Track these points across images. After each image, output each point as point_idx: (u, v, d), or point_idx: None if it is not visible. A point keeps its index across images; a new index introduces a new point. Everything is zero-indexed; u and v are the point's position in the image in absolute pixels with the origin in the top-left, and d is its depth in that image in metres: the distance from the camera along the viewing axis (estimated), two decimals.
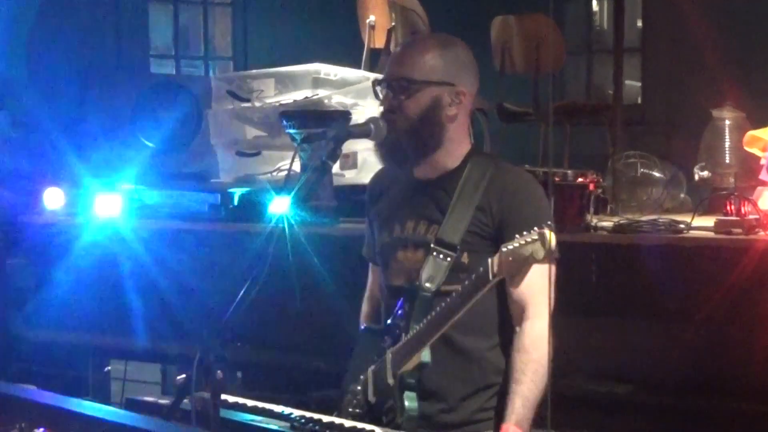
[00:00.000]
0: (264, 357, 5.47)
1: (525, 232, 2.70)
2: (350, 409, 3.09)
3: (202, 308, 5.31)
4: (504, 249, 2.72)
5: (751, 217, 4.70)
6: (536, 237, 2.66)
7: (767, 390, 4.28)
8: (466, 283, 2.82)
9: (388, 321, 3.08)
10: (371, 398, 3.04)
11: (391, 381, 2.97)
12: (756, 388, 4.33)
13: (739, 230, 4.64)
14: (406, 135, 3.03)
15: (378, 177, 3.33)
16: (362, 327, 3.30)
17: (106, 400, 5.92)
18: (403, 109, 3.03)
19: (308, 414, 2.89)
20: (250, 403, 2.97)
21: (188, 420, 2.55)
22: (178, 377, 2.66)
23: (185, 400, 2.61)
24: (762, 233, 4.64)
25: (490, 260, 2.75)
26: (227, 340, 2.56)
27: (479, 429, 3.08)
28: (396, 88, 3.04)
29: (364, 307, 3.42)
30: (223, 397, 2.70)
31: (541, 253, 2.65)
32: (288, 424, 2.79)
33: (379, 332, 3.12)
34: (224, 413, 2.68)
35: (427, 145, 3.07)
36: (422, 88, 3.03)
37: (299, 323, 5.28)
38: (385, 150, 3.10)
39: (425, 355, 2.93)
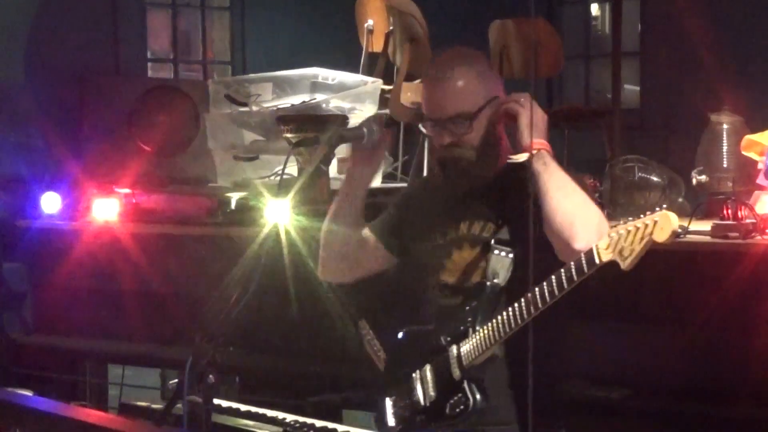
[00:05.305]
0: (261, 361, 5.46)
1: (642, 215, 2.70)
2: (399, 410, 3.12)
3: (199, 312, 5.30)
4: (613, 234, 2.72)
5: (747, 221, 4.68)
6: (657, 218, 2.65)
7: (764, 395, 4.27)
8: (563, 271, 2.82)
9: (447, 319, 3.10)
10: (432, 393, 3.06)
11: (457, 375, 3.00)
12: (753, 393, 4.32)
13: (735, 234, 4.63)
14: (478, 160, 3.13)
15: (420, 183, 3.37)
16: (403, 332, 3.27)
17: (103, 404, 5.92)
18: (469, 141, 3.11)
19: (302, 418, 2.89)
20: (243, 407, 2.97)
21: (181, 425, 2.55)
22: (171, 382, 2.66)
23: (178, 405, 2.61)
24: (759, 237, 4.63)
25: (595, 246, 2.76)
26: (220, 344, 2.56)
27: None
28: (453, 125, 3.11)
29: (335, 264, 3.41)
30: (216, 401, 2.71)
31: (664, 235, 2.64)
32: (281, 429, 2.79)
33: (427, 333, 3.14)
34: (217, 418, 2.68)
35: (495, 158, 3.16)
36: (477, 115, 3.10)
37: (296, 327, 5.27)
38: (457, 176, 3.16)
39: (497, 349, 2.97)
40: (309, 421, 2.87)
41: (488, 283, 3.05)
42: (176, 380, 2.63)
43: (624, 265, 2.71)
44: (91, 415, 2.46)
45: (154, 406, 2.98)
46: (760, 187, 5.15)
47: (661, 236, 2.64)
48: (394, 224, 3.38)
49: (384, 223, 3.40)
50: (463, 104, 3.10)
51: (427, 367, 3.10)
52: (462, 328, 3.04)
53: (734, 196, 4.92)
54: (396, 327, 3.32)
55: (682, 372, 4.50)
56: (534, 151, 2.98)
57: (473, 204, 3.18)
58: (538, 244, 2.99)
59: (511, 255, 3.05)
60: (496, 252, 3.07)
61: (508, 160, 3.08)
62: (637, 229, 2.67)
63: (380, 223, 3.40)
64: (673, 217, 2.65)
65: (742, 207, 4.74)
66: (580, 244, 2.85)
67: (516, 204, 3.06)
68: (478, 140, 3.11)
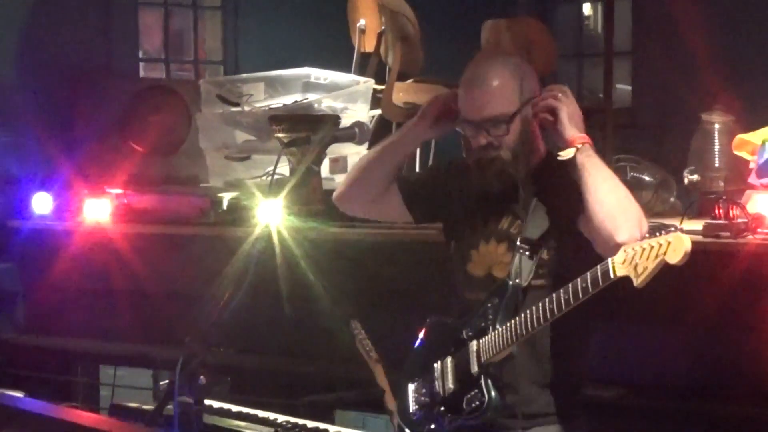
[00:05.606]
0: (253, 362, 5.46)
1: (656, 234, 2.74)
2: (420, 397, 3.15)
3: (191, 313, 5.29)
4: (629, 249, 2.75)
5: (739, 220, 4.69)
6: (670, 239, 2.69)
7: (756, 393, 4.27)
8: (579, 281, 2.85)
9: (471, 313, 3.12)
10: (450, 386, 3.08)
11: (475, 370, 3.02)
12: (745, 391, 4.33)
13: (727, 234, 4.63)
14: (513, 161, 3.14)
15: (456, 167, 3.36)
16: (431, 320, 3.31)
17: (95, 405, 5.91)
18: (505, 142, 3.13)
19: (293, 419, 2.89)
20: (234, 408, 2.97)
21: (172, 426, 2.54)
22: (162, 383, 2.66)
23: (170, 406, 2.60)
24: (750, 237, 4.63)
25: (611, 260, 2.78)
26: (211, 345, 2.55)
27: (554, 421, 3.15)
28: (491, 127, 3.12)
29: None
30: (208, 402, 2.70)
31: (677, 256, 2.68)
32: (272, 430, 2.79)
33: (453, 325, 3.17)
34: (208, 419, 2.68)
35: (529, 156, 3.18)
36: (515, 116, 3.12)
37: (289, 327, 5.27)
38: (492, 175, 3.16)
39: (514, 348, 2.99)
40: (301, 421, 2.87)
41: (510, 283, 3.07)
42: (168, 381, 2.62)
43: (637, 281, 2.74)
44: (82, 416, 2.46)
45: (145, 407, 2.98)
46: (752, 186, 5.15)
47: (674, 257, 2.68)
48: (424, 189, 3.40)
49: (414, 183, 3.43)
50: (501, 106, 3.11)
51: (449, 359, 3.13)
52: (483, 324, 3.07)
53: (726, 196, 4.93)
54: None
55: (675, 371, 4.51)
56: (578, 145, 2.99)
57: (504, 200, 3.20)
58: (569, 245, 3.02)
59: (534, 256, 3.07)
60: (520, 251, 3.09)
61: (558, 158, 3.07)
62: (652, 247, 2.70)
63: (407, 182, 3.43)
64: (686, 239, 2.68)
65: (734, 206, 4.74)
66: (623, 236, 2.87)
67: (548, 202, 3.09)
68: (514, 141, 3.13)
